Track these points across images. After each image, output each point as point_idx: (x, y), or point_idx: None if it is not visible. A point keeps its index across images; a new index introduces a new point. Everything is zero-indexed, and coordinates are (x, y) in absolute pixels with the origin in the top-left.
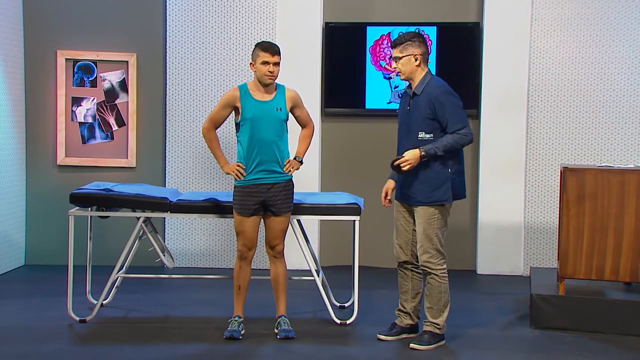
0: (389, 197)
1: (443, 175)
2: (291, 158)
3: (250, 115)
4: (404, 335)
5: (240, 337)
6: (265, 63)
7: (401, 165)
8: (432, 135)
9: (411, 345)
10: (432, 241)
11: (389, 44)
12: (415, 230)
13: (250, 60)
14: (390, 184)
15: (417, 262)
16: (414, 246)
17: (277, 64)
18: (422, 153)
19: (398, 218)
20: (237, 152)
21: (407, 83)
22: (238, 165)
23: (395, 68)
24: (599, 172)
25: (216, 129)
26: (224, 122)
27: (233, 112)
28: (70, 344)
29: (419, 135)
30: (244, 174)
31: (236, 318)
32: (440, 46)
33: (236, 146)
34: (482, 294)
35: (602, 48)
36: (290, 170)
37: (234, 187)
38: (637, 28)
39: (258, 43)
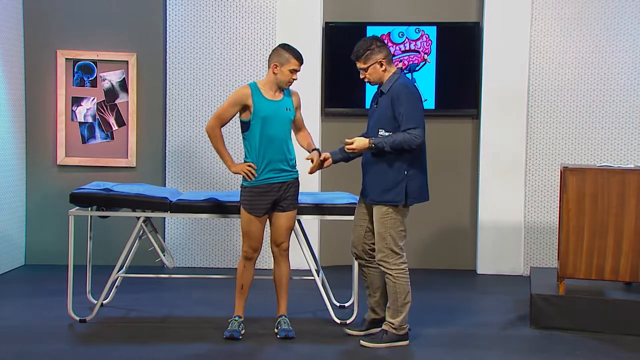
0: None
1: (398, 177)
2: (312, 150)
3: (264, 114)
4: (371, 331)
5: (240, 337)
6: (294, 71)
7: (348, 147)
8: (391, 133)
9: (361, 341)
10: (385, 240)
11: (351, 57)
12: (369, 227)
13: (273, 61)
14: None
15: (368, 257)
16: (365, 241)
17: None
18: (371, 144)
19: (356, 212)
20: (246, 151)
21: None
22: (249, 165)
23: (363, 77)
24: (599, 172)
25: (222, 127)
26: (230, 120)
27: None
28: (70, 344)
29: (379, 133)
30: (255, 175)
31: (236, 318)
32: (440, 46)
33: (236, 146)
34: (482, 294)
35: (602, 48)
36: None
37: (243, 187)
38: (637, 28)
39: (288, 49)
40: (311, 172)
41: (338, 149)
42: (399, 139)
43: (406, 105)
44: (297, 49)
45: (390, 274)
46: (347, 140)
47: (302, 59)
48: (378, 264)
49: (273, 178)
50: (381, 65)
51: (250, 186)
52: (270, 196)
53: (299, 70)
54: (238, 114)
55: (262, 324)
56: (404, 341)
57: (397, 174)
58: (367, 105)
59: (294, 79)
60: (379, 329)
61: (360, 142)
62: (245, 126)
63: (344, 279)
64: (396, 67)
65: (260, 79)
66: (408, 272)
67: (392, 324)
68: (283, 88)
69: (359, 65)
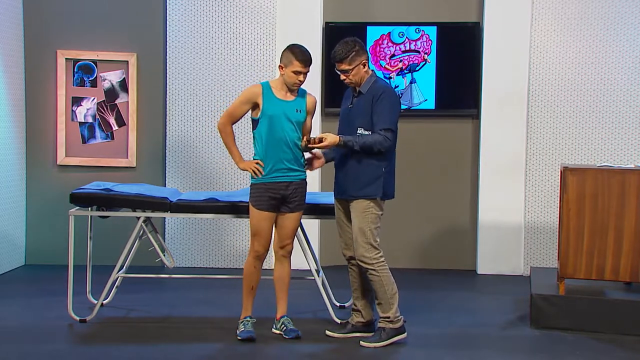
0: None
1: (377, 172)
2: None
3: (271, 112)
4: (355, 334)
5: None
6: (298, 73)
7: (316, 143)
8: (370, 132)
9: (361, 342)
10: (365, 235)
11: (332, 59)
12: None
13: (280, 62)
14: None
15: None
16: None
17: (307, 73)
18: (341, 142)
19: (338, 215)
20: (255, 149)
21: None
22: (256, 163)
23: (345, 79)
24: (599, 172)
25: (233, 124)
26: (241, 117)
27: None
28: (70, 344)
29: (358, 131)
30: (262, 172)
31: (247, 318)
32: (440, 46)
33: (247, 143)
34: (482, 294)
35: (602, 48)
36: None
37: (251, 185)
38: (637, 28)
39: (294, 49)
40: (306, 147)
41: (302, 147)
42: (370, 140)
43: (386, 106)
44: (304, 50)
45: (373, 269)
46: (315, 137)
47: (308, 61)
48: (358, 260)
49: (280, 177)
50: (364, 66)
51: (257, 183)
52: (276, 194)
53: (304, 72)
54: (250, 111)
55: (262, 324)
56: (402, 334)
57: (375, 169)
58: None
59: (299, 81)
60: (360, 333)
61: (331, 139)
62: (254, 124)
63: (344, 279)
64: (372, 70)
65: (262, 79)
66: (386, 264)
67: (388, 317)
68: (292, 90)
69: (343, 66)
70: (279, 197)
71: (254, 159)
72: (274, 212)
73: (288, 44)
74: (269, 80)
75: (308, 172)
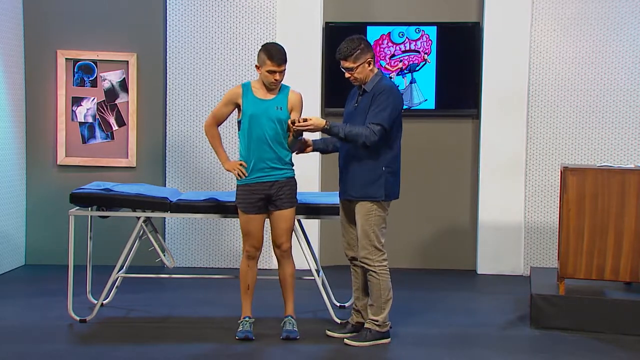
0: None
1: (377, 172)
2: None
3: (251, 112)
4: (355, 334)
5: (254, 338)
6: (272, 72)
7: (301, 125)
8: None
9: (345, 340)
10: (369, 237)
11: (337, 56)
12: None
13: (256, 62)
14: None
15: None
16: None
17: (283, 71)
18: (327, 126)
19: (342, 215)
20: (239, 150)
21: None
22: (240, 164)
23: (350, 77)
24: (599, 172)
25: (218, 125)
26: (226, 119)
27: (236, 110)
28: (70, 344)
29: None
30: (246, 174)
31: (246, 318)
32: (440, 46)
33: (234, 145)
34: (482, 294)
35: (602, 48)
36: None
37: (237, 187)
38: (637, 28)
39: (266, 48)
40: (291, 137)
41: (291, 135)
42: (357, 130)
43: (383, 103)
44: (279, 48)
45: (374, 271)
46: (300, 118)
47: (281, 60)
48: (361, 262)
49: (263, 177)
50: (369, 64)
51: (242, 185)
52: (260, 194)
53: (279, 71)
54: (236, 113)
55: (265, 324)
56: (386, 339)
57: (375, 169)
58: None
59: (275, 80)
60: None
61: (317, 120)
62: (238, 125)
63: (344, 279)
64: (377, 68)
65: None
66: (388, 269)
67: (376, 321)
68: (270, 89)
69: (347, 64)
70: (264, 198)
71: (239, 160)
72: (262, 214)
73: (263, 43)
74: (251, 81)
75: (296, 166)
